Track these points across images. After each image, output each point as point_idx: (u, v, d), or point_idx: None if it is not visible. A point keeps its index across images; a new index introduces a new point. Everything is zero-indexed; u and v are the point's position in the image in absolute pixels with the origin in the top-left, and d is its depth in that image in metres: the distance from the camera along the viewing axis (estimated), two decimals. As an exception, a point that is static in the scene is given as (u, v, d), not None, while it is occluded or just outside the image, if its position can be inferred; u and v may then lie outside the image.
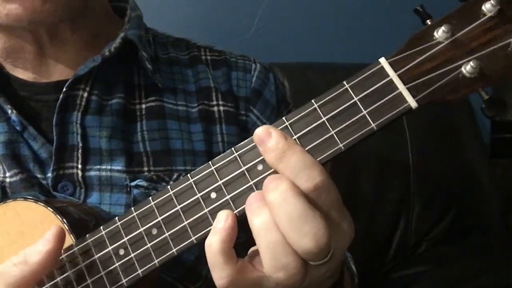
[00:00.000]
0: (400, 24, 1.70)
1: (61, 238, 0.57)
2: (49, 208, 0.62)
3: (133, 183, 0.73)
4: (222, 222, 0.51)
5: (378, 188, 1.45)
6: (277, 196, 0.48)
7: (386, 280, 1.40)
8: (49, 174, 0.72)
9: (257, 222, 0.50)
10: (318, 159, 0.51)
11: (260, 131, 0.52)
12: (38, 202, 0.63)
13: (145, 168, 0.75)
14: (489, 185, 1.51)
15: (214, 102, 0.82)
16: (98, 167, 0.73)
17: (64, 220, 0.62)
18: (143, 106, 0.79)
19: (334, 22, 1.69)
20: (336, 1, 1.69)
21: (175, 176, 0.76)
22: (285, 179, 0.49)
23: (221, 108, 0.82)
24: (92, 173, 0.73)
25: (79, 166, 0.73)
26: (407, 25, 1.69)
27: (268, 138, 0.51)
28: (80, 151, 0.73)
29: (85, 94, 0.75)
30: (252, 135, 0.82)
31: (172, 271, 0.73)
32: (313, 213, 0.48)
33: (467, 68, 0.47)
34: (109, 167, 0.74)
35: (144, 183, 0.73)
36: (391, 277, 1.40)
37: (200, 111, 0.81)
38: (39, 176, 0.72)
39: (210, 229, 0.54)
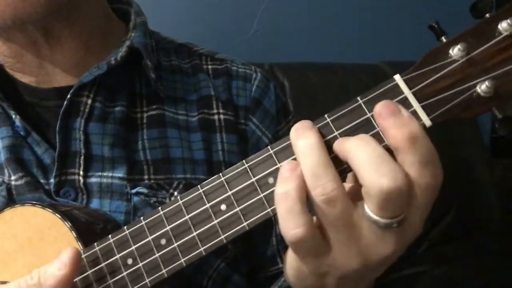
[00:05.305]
0: (400, 24, 1.71)
1: (77, 261, 0.56)
2: (57, 214, 0.62)
3: (133, 191, 0.73)
4: (289, 171, 0.48)
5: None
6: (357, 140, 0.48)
7: (386, 280, 1.40)
8: (52, 180, 0.72)
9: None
10: None
11: (387, 102, 0.48)
12: (46, 208, 0.62)
13: (146, 176, 0.75)
14: (489, 185, 1.52)
15: (215, 111, 0.82)
16: (100, 174, 0.73)
17: (72, 226, 0.61)
18: (145, 114, 0.78)
19: (334, 22, 1.69)
20: (336, 1, 1.69)
21: (175, 184, 0.76)
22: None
23: (222, 116, 0.82)
24: (93, 179, 0.73)
25: (81, 172, 0.73)
26: (406, 25, 1.69)
27: (399, 112, 0.47)
28: (82, 157, 0.73)
29: (89, 101, 0.74)
30: (251, 144, 0.82)
31: (172, 280, 0.73)
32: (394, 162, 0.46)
33: (482, 87, 0.47)
34: (110, 174, 0.73)
35: (144, 190, 0.73)
36: (391, 277, 1.39)
37: (200, 120, 0.81)
38: (42, 181, 0.72)
39: (219, 241, 0.53)
